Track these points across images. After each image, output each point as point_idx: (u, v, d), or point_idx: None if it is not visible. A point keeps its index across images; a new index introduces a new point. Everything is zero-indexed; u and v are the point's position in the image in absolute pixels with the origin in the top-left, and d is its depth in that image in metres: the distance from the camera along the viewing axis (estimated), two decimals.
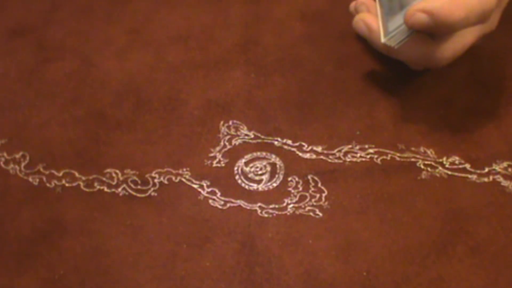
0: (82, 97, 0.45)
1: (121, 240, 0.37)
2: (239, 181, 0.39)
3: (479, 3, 0.36)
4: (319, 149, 0.40)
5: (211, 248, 0.36)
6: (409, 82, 0.43)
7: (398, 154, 0.39)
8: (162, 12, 0.51)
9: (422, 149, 0.39)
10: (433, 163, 0.39)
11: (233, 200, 0.38)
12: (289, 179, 0.39)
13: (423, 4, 0.37)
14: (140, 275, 0.35)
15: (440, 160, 0.39)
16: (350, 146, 0.40)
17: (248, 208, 0.38)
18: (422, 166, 0.39)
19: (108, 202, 0.39)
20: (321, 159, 0.40)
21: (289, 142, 0.41)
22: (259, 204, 0.38)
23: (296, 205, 0.38)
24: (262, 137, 0.41)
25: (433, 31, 0.38)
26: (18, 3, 0.54)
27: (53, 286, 0.35)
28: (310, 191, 0.38)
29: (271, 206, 0.38)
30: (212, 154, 0.41)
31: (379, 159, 0.39)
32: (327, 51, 0.46)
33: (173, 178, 0.40)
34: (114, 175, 0.40)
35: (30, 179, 0.40)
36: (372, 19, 0.41)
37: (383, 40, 0.38)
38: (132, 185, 0.39)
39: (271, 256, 0.35)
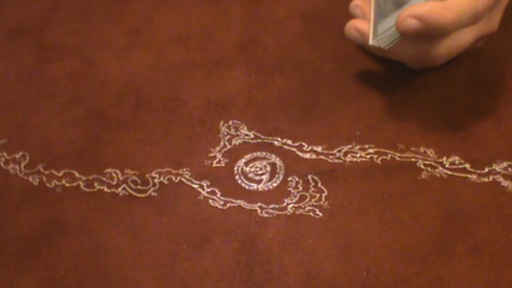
0: (82, 97, 0.45)
1: (121, 240, 0.37)
2: (239, 181, 0.39)
3: (470, 4, 0.36)
4: (319, 149, 0.40)
5: (211, 248, 0.36)
6: (409, 82, 0.43)
7: (398, 154, 0.39)
8: (162, 12, 0.51)
9: (422, 149, 0.39)
10: (433, 163, 0.39)
11: (233, 200, 0.38)
12: (289, 179, 0.39)
13: (412, 10, 0.36)
14: (140, 275, 0.35)
15: (440, 160, 0.39)
16: (350, 146, 0.40)
17: (248, 208, 0.38)
18: (422, 166, 0.39)
19: (108, 202, 0.39)
20: (321, 159, 0.40)
21: (289, 142, 0.41)
22: (259, 204, 0.38)
23: (296, 205, 0.38)
24: (262, 137, 0.41)
25: (426, 34, 0.38)
26: (18, 3, 0.54)
27: (53, 286, 0.35)
28: (310, 191, 0.38)
29: (271, 206, 0.38)
30: (212, 154, 0.41)
31: (379, 159, 0.39)
32: (327, 51, 0.46)
33: (173, 178, 0.40)
34: (114, 175, 0.40)
35: (30, 179, 0.40)
36: (363, 23, 0.40)
37: (370, 42, 0.38)
38: (132, 185, 0.39)
39: (271, 256, 0.35)
